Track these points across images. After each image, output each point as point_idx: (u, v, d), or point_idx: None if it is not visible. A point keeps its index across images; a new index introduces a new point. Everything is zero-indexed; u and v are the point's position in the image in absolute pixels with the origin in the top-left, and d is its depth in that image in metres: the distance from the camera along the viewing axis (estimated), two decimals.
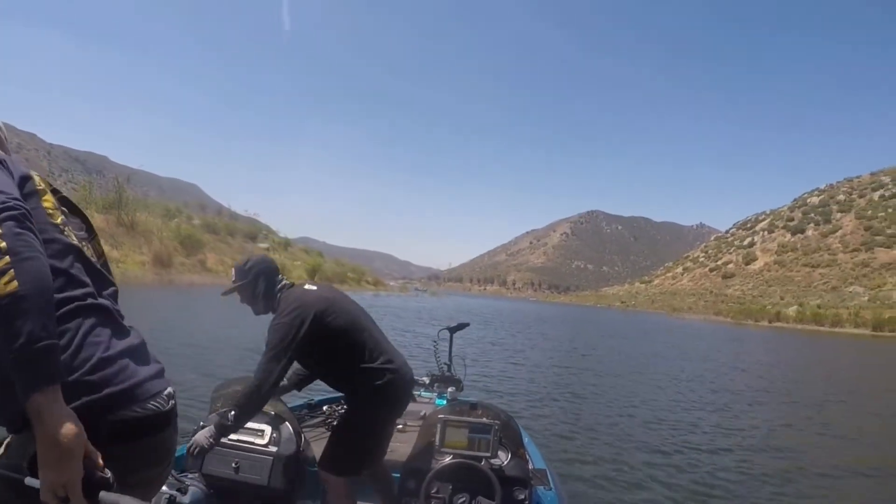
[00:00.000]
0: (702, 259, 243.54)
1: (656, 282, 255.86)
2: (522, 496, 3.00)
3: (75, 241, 1.60)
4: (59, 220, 1.58)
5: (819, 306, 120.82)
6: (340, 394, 4.08)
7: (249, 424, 3.22)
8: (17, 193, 1.35)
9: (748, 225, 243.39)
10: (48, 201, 1.57)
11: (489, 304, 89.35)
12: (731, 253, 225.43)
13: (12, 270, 1.18)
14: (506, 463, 3.07)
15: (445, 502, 2.92)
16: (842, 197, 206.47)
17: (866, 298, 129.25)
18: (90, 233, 1.79)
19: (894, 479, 8.06)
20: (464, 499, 2.90)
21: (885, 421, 12.97)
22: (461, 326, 5.69)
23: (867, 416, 13.39)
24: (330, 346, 3.26)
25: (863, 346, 57.48)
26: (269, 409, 3.39)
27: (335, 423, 3.91)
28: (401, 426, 4.24)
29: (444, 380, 5.18)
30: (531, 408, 10.36)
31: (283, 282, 3.49)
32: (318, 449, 3.53)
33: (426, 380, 5.22)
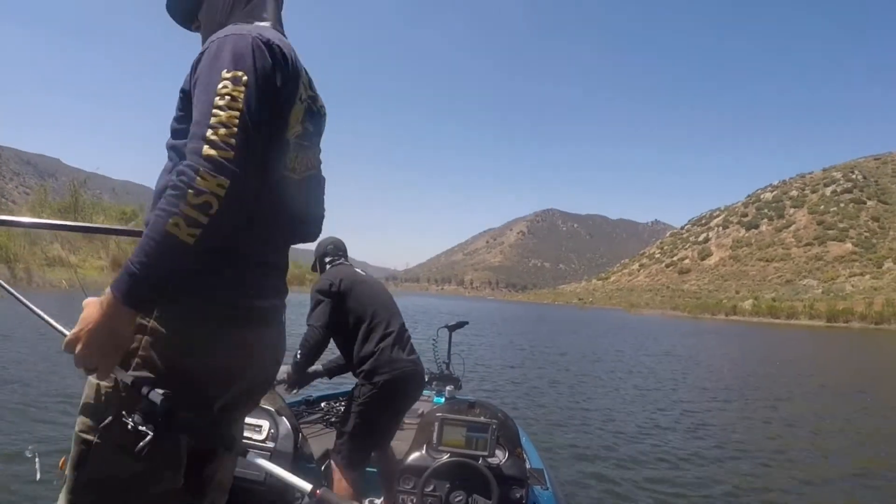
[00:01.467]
0: (658, 255, 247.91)
1: (613, 278, 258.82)
2: (519, 495, 3.00)
3: None
4: None
5: (774, 299, 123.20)
6: (338, 391, 4.63)
7: (247, 420, 2.86)
8: None
9: (703, 221, 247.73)
10: None
11: (447, 304, 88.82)
12: (686, 249, 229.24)
13: (202, 231, 1.25)
14: (503, 462, 3.07)
15: (442, 501, 2.94)
16: (795, 193, 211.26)
17: (820, 291, 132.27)
18: None
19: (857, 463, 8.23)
20: (461, 497, 2.92)
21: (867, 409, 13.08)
22: (460, 325, 5.76)
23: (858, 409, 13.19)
24: (343, 320, 3.58)
25: (820, 336, 58.58)
26: (267, 404, 3.39)
27: (338, 416, 4.12)
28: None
29: (442, 378, 5.26)
30: (524, 406, 10.33)
31: (334, 259, 3.90)
32: (315, 445, 3.68)
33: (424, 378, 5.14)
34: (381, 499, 3.71)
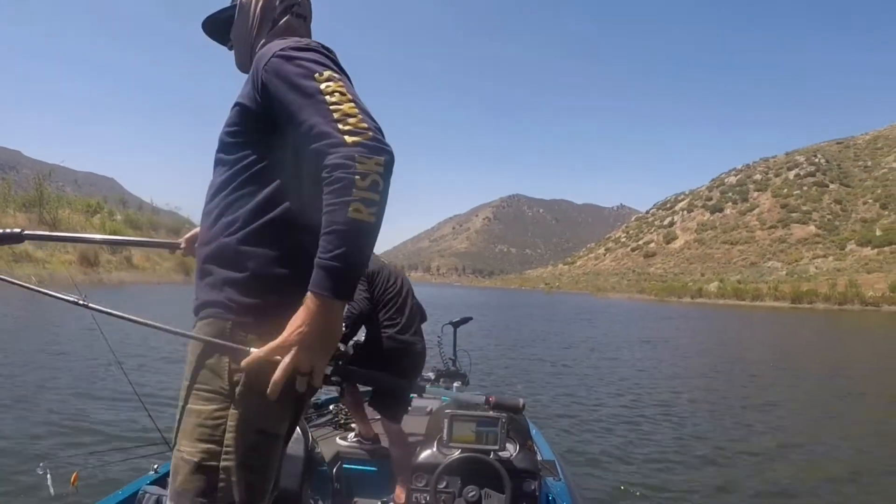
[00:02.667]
0: (623, 239, 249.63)
1: (579, 263, 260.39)
2: (532, 487, 3.00)
3: None
4: None
5: (739, 281, 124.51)
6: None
7: None
8: None
9: (668, 205, 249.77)
10: None
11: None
12: (651, 233, 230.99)
13: (378, 207, 1.33)
14: (514, 455, 3.07)
15: (455, 496, 2.95)
16: (758, 176, 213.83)
17: (784, 273, 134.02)
18: None
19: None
20: (474, 492, 2.92)
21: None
22: (465, 321, 5.70)
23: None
24: (369, 297, 3.99)
25: (787, 317, 58.79)
26: None
27: (347, 419, 4.50)
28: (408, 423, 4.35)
29: (449, 375, 5.07)
30: (531, 398, 10.05)
31: None
32: (326, 448, 3.74)
33: (431, 375, 5.11)
34: (391, 496, 3.72)
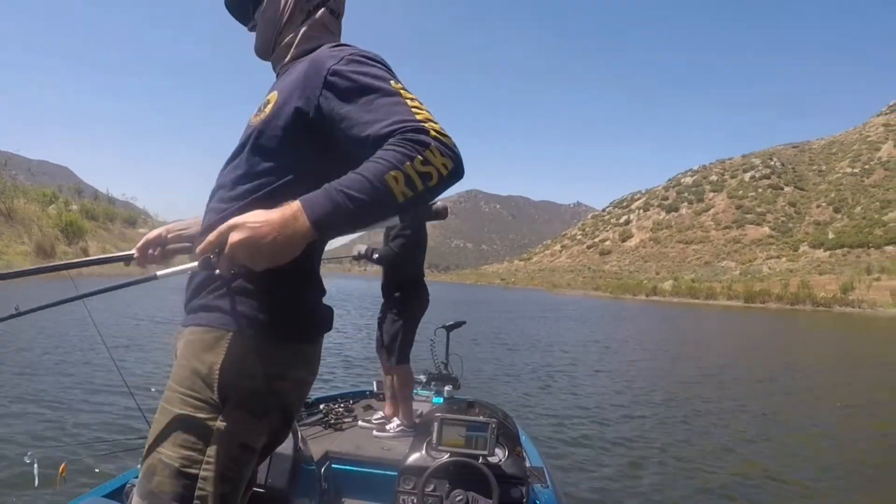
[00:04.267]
0: (579, 237, 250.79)
1: (535, 259, 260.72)
2: (519, 494, 3.07)
3: None
4: None
5: (693, 280, 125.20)
6: (336, 393, 5.63)
7: None
8: None
9: (624, 204, 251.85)
10: None
11: (375, 287, 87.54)
12: (607, 231, 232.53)
13: (414, 196, 1.31)
14: (503, 461, 3.15)
15: (443, 500, 3.01)
16: (714, 177, 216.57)
17: (738, 272, 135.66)
18: None
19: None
20: (461, 497, 2.98)
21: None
22: (458, 325, 5.95)
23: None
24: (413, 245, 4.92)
25: (739, 316, 59.44)
26: None
27: (337, 418, 4.77)
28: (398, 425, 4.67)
29: (441, 378, 5.45)
30: (520, 403, 10.49)
31: None
32: (315, 447, 3.84)
33: (423, 378, 5.54)
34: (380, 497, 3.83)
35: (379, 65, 1.50)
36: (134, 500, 1.54)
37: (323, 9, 1.74)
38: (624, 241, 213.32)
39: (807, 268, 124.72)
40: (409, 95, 1.42)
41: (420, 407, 4.90)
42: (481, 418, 3.15)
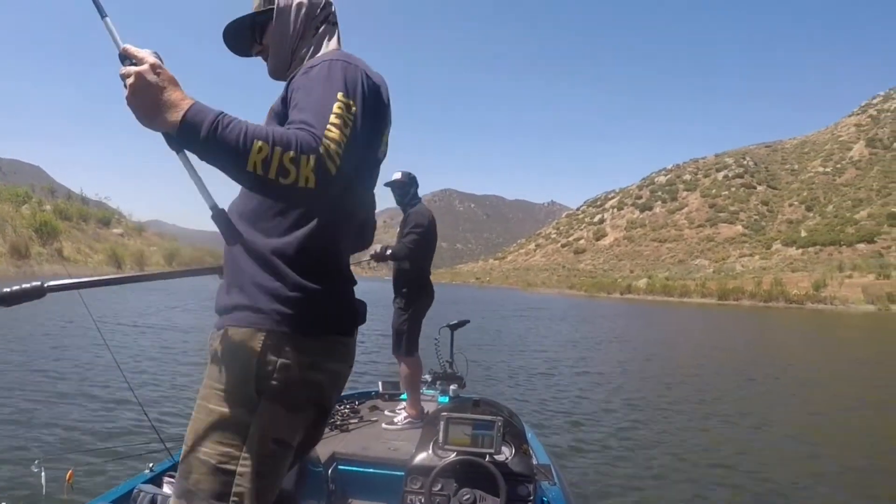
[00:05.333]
0: (554, 236, 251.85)
1: (510, 258, 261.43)
2: (527, 491, 3.09)
3: None
4: None
5: (667, 278, 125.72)
6: (341, 394, 5.25)
7: None
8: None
9: (598, 203, 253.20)
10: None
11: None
12: (582, 229, 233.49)
13: (259, 179, 1.36)
14: (510, 459, 3.17)
15: (450, 499, 3.03)
16: (688, 177, 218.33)
17: (711, 270, 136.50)
18: None
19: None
20: (468, 496, 2.99)
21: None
22: (462, 324, 6.03)
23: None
24: (425, 244, 5.27)
25: (716, 314, 59.71)
26: None
27: (343, 419, 4.75)
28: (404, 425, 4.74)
29: (446, 377, 5.61)
30: (525, 401, 10.51)
31: (416, 195, 5.52)
32: (321, 448, 3.83)
33: (428, 378, 5.70)
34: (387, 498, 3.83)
35: (347, 76, 1.55)
36: (171, 501, 1.58)
37: (326, 23, 1.86)
38: (598, 239, 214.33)
39: (779, 265, 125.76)
40: (340, 111, 1.45)
41: (426, 406, 4.92)
42: (487, 417, 3.13)
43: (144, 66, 1.38)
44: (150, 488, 2.80)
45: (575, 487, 5.67)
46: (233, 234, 1.54)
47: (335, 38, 1.87)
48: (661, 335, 29.37)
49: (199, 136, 1.34)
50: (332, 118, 1.43)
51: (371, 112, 1.60)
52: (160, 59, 1.43)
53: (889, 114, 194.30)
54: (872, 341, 32.01)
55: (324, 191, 1.38)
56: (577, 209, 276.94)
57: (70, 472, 2.92)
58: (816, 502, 6.42)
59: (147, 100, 1.37)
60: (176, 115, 1.36)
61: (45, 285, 1.76)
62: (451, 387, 5.41)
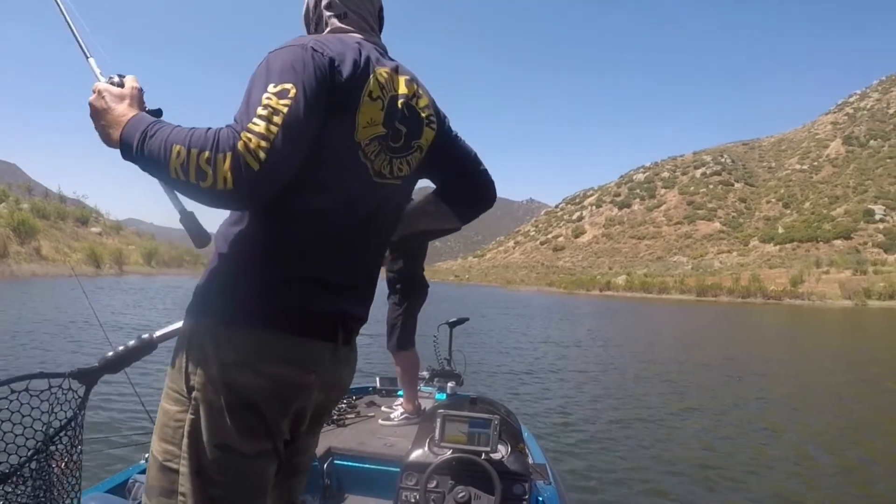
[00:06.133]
0: (532, 233, 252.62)
1: (489, 256, 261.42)
2: (522, 490, 3.08)
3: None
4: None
5: (646, 275, 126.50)
6: None
7: None
8: None
9: (577, 200, 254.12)
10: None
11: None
12: (560, 227, 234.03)
13: (181, 181, 1.34)
14: (505, 457, 3.16)
15: (445, 497, 3.03)
16: (666, 174, 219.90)
17: (689, 267, 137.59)
18: None
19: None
20: (463, 493, 2.99)
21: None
22: (461, 321, 6.06)
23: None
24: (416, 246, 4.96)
25: (698, 310, 60.11)
26: None
27: (339, 414, 4.74)
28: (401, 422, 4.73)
29: (444, 374, 5.57)
30: (523, 399, 10.60)
31: None
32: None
33: (426, 374, 5.61)
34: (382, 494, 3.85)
35: (276, 63, 1.46)
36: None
37: (325, 17, 1.80)
38: (577, 237, 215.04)
39: (757, 262, 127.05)
40: (273, 107, 1.36)
41: (423, 403, 4.90)
42: (484, 415, 3.13)
43: (92, 96, 1.45)
44: (145, 478, 2.52)
45: (570, 486, 5.73)
46: (200, 236, 1.54)
47: (343, 24, 1.78)
48: (653, 334, 29.39)
49: (133, 154, 1.35)
50: (259, 109, 1.34)
51: (325, 89, 1.46)
52: (121, 84, 1.49)
53: (865, 112, 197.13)
54: (850, 336, 32.35)
55: (247, 191, 1.31)
56: (556, 207, 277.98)
57: (64, 461, 2.70)
58: (816, 496, 6.49)
59: (97, 123, 1.44)
60: (116, 133, 1.39)
61: (154, 336, 1.76)
62: (449, 384, 5.40)
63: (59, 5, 1.71)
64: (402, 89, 1.69)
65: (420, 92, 1.78)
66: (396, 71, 1.71)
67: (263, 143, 1.30)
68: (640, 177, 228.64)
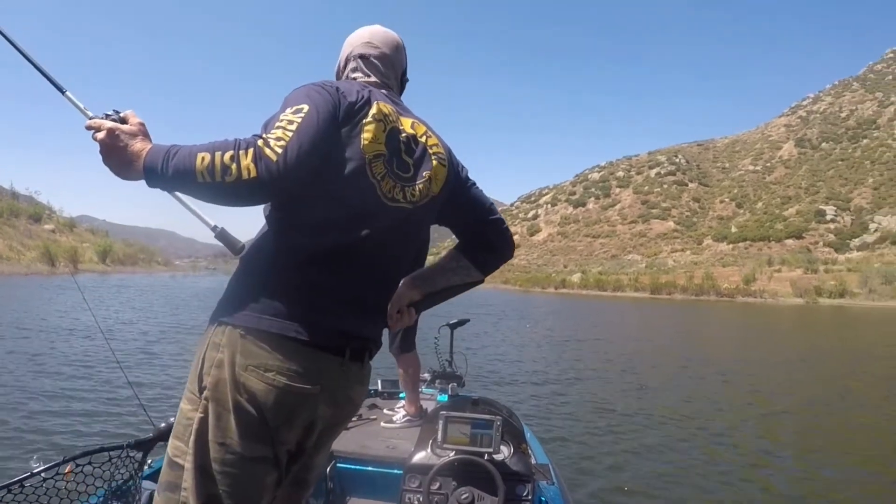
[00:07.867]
0: None
1: (443, 253, 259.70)
2: (525, 491, 3.12)
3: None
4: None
5: (601, 273, 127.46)
6: None
7: None
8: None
9: (532, 198, 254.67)
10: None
11: None
12: (515, 225, 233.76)
13: (207, 185, 1.47)
14: (508, 458, 3.20)
15: (448, 498, 3.07)
16: (621, 174, 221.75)
17: (644, 265, 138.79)
18: None
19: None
20: (466, 494, 3.02)
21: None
22: (462, 322, 5.98)
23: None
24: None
25: (654, 307, 61.19)
26: None
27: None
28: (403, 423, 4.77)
29: (445, 376, 5.58)
30: (526, 401, 10.69)
31: None
32: None
33: (427, 376, 5.61)
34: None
35: (295, 93, 1.67)
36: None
37: (350, 65, 2.03)
38: (532, 235, 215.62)
39: (710, 260, 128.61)
40: (290, 119, 1.55)
41: (425, 405, 4.89)
42: (486, 416, 3.13)
43: (102, 134, 1.51)
44: (149, 484, 2.80)
45: (573, 487, 5.75)
46: (234, 244, 1.70)
47: (364, 68, 2.00)
48: (644, 332, 29.45)
49: (159, 175, 1.46)
50: (277, 123, 1.54)
51: (333, 107, 1.66)
52: (122, 119, 1.56)
53: (818, 115, 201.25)
54: (802, 332, 33.15)
55: (269, 178, 1.45)
56: (511, 205, 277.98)
57: (69, 467, 2.78)
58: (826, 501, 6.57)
59: (115, 160, 1.51)
60: (139, 165, 1.48)
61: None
62: (451, 385, 5.37)
63: (19, 50, 1.74)
64: (406, 126, 1.85)
65: (430, 133, 1.93)
66: (401, 113, 1.87)
67: (281, 142, 1.48)
68: (596, 176, 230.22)
